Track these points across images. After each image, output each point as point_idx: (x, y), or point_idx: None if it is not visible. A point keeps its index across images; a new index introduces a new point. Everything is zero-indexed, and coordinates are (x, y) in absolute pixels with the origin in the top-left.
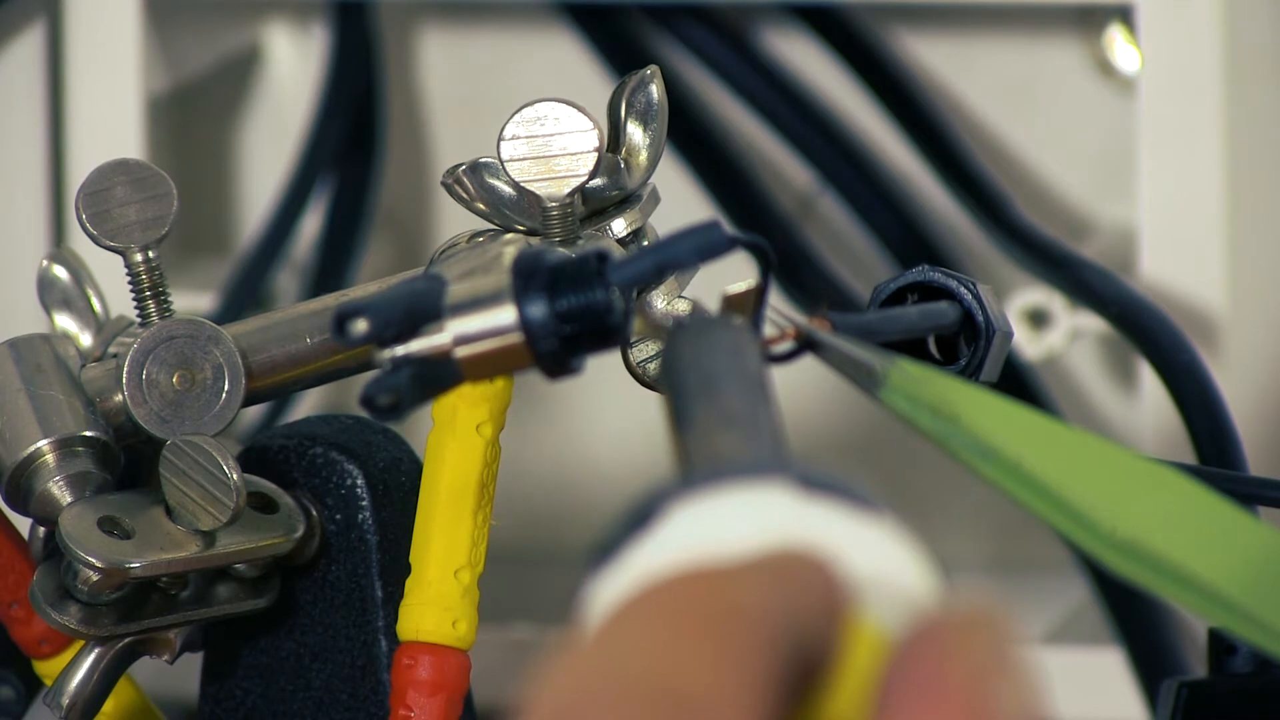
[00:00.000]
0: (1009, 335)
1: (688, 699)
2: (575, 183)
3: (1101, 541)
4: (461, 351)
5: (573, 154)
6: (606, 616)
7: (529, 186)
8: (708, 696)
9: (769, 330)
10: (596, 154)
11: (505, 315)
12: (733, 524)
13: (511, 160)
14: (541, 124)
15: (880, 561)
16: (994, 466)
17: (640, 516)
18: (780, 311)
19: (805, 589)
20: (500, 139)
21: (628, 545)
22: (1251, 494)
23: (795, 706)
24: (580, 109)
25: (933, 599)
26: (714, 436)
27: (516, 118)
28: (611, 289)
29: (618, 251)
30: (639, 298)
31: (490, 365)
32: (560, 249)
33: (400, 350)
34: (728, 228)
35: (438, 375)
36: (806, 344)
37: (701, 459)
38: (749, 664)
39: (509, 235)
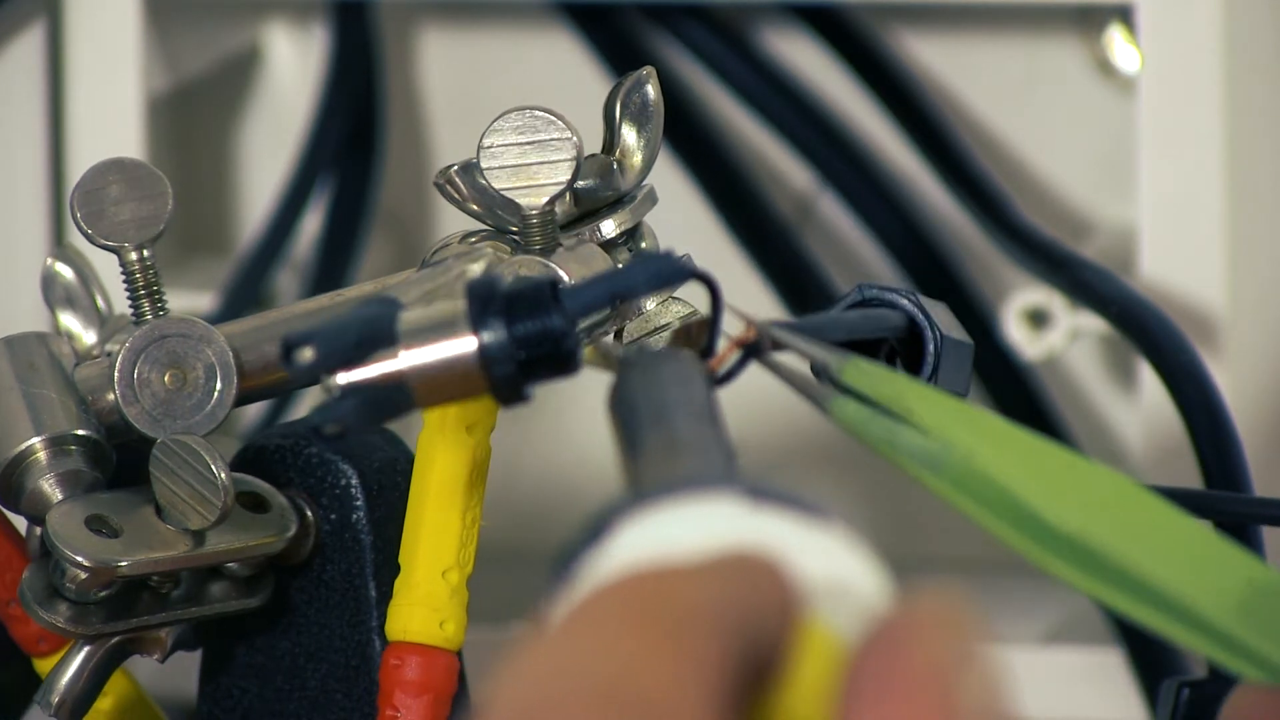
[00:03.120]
0: (967, 345)
1: (644, 700)
2: (553, 191)
3: (1046, 542)
4: (415, 378)
5: (551, 163)
6: (560, 617)
7: (508, 195)
8: (664, 697)
9: (722, 343)
10: (574, 163)
11: (461, 341)
12: (682, 532)
13: (491, 169)
14: (520, 132)
15: (830, 565)
16: (940, 477)
17: (593, 531)
18: (735, 310)
19: (756, 588)
20: (480, 147)
21: (581, 560)
22: (1252, 513)
23: (747, 707)
24: (559, 117)
25: (884, 603)
26: (664, 461)
27: (495, 126)
28: (566, 314)
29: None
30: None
31: (443, 391)
32: (521, 273)
33: (350, 377)
34: (682, 259)
35: (390, 402)
36: (757, 351)
37: (651, 481)
38: (704, 663)
39: (472, 254)
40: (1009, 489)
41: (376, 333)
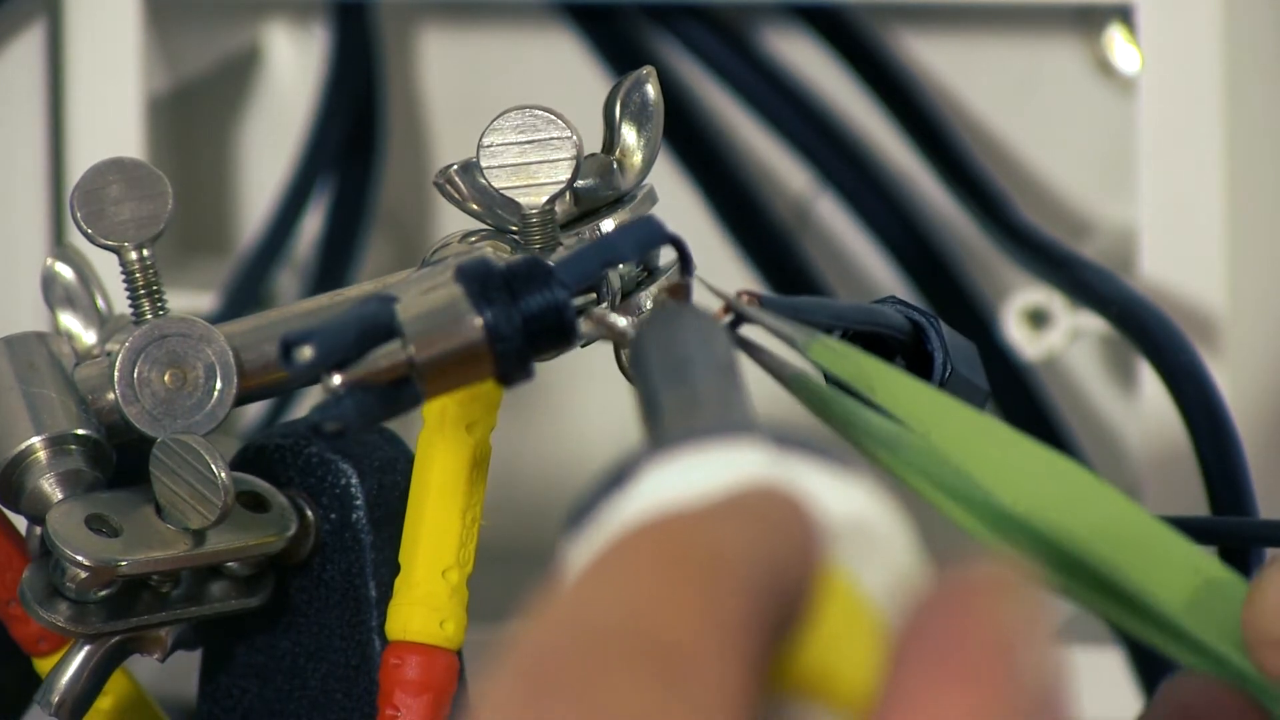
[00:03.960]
0: (981, 391)
1: (670, 648)
2: (553, 190)
3: (996, 524)
4: (420, 367)
5: (551, 162)
6: (583, 566)
7: (508, 194)
8: (690, 645)
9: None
10: (574, 162)
11: (464, 323)
12: (707, 476)
13: (490, 168)
14: (520, 131)
15: (854, 511)
16: (897, 458)
17: (615, 478)
18: (708, 286)
19: (780, 527)
20: (479, 146)
21: (603, 505)
22: (1261, 536)
23: (771, 653)
24: (559, 116)
25: (910, 559)
26: (685, 415)
27: (495, 125)
28: (564, 286)
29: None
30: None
31: (450, 377)
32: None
33: (348, 376)
34: (662, 223)
35: (394, 396)
36: (737, 323)
37: (673, 433)
38: (731, 608)
39: (471, 254)
40: (964, 468)
41: (375, 328)
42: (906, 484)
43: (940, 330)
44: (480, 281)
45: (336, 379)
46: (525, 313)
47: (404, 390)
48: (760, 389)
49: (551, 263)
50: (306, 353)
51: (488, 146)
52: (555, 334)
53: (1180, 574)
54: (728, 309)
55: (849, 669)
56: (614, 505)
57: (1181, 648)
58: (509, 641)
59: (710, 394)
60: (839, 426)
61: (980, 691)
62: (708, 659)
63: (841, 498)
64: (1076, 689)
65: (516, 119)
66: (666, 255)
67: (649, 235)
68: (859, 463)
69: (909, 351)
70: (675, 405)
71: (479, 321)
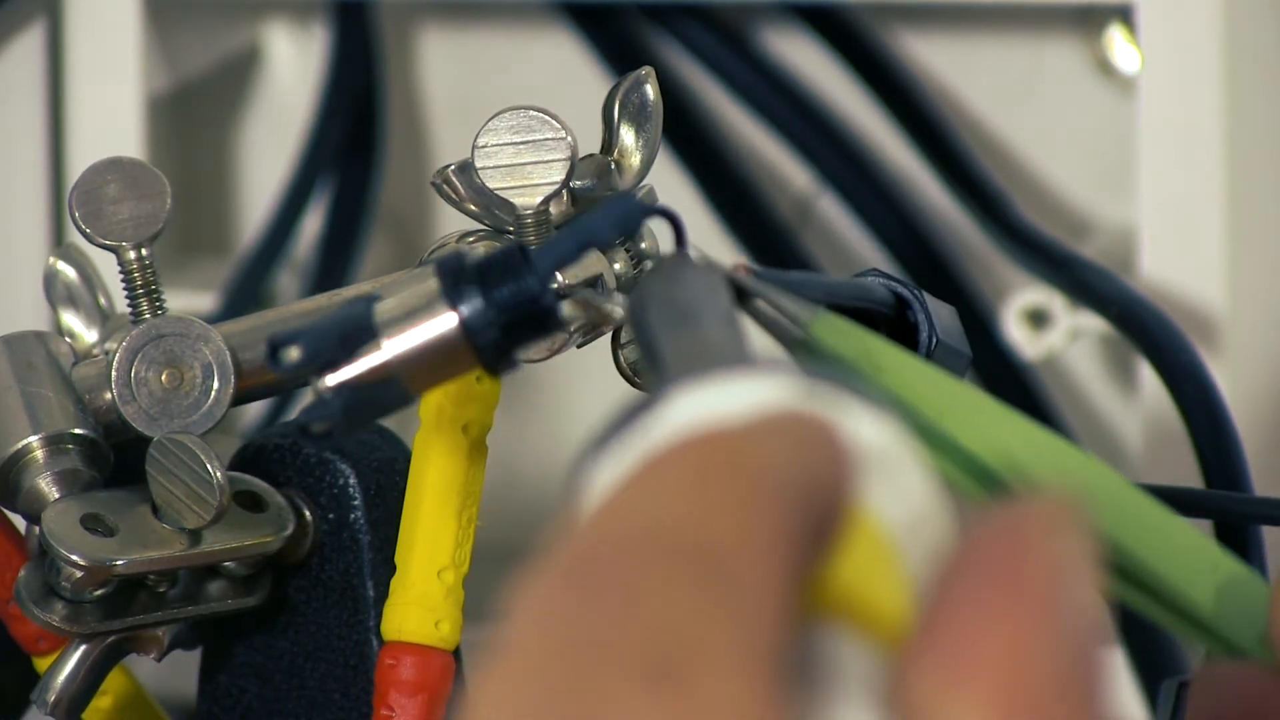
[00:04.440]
0: (964, 356)
1: (711, 549)
2: (547, 191)
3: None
4: (401, 366)
5: (546, 163)
6: (621, 478)
7: (503, 195)
8: (731, 548)
9: None
10: (569, 163)
11: (440, 319)
12: (739, 402)
13: (485, 168)
14: (515, 132)
15: (879, 444)
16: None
17: (641, 405)
18: (704, 256)
19: (814, 447)
20: (474, 146)
21: (629, 430)
22: (1256, 513)
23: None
24: (554, 117)
25: (928, 496)
26: (696, 358)
27: (490, 125)
28: (540, 274)
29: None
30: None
31: (433, 373)
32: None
33: (336, 377)
34: (639, 201)
35: (382, 395)
36: (735, 295)
37: (686, 371)
38: (770, 518)
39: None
40: (980, 458)
41: (356, 328)
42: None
43: (925, 303)
44: (453, 275)
45: (323, 380)
46: (499, 303)
47: (392, 389)
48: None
49: (529, 248)
50: (293, 354)
51: (482, 147)
52: (533, 323)
53: (1201, 570)
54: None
55: (878, 594)
56: (642, 429)
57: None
58: (546, 547)
59: (721, 338)
60: None
61: (1024, 620)
62: (750, 563)
63: (867, 428)
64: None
65: (511, 119)
66: (662, 247)
67: (626, 214)
68: (881, 398)
69: (893, 323)
70: (684, 349)
71: (453, 315)
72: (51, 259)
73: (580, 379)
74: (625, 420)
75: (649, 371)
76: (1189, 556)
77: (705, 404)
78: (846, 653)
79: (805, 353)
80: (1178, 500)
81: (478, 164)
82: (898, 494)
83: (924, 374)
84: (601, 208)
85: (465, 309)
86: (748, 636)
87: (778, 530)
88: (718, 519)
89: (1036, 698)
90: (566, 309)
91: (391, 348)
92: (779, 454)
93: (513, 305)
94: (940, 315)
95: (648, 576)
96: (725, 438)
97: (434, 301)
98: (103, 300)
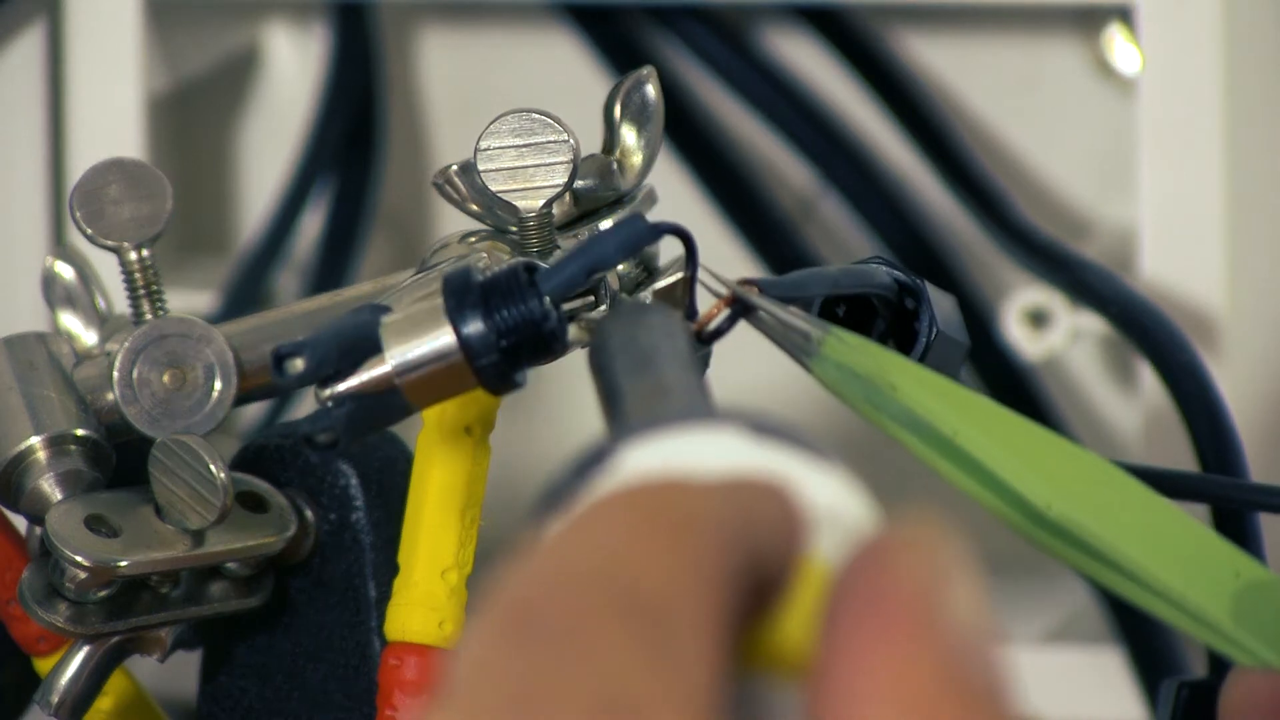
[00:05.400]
0: (961, 345)
1: (643, 596)
2: (550, 194)
3: (1033, 519)
4: (404, 380)
5: (548, 165)
6: (565, 519)
7: (505, 198)
8: (663, 594)
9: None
10: (571, 165)
11: (443, 337)
12: (688, 457)
13: (487, 171)
14: (517, 135)
15: (832, 501)
16: (924, 441)
17: (590, 459)
18: (713, 274)
19: (763, 508)
20: (476, 150)
21: (579, 485)
22: (1253, 501)
23: (744, 630)
24: (556, 120)
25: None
26: (653, 403)
27: (492, 128)
28: (544, 298)
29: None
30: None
31: (435, 389)
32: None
33: (341, 386)
34: (648, 219)
35: (384, 407)
36: (742, 311)
37: (641, 419)
38: (704, 566)
39: (470, 257)
40: (993, 469)
41: (361, 340)
42: (935, 469)
43: (927, 293)
44: (458, 295)
45: (327, 390)
46: (502, 326)
47: (394, 400)
48: (757, 376)
49: (538, 268)
50: (298, 365)
51: (485, 150)
52: (535, 346)
53: (1221, 577)
54: (733, 299)
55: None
56: (591, 485)
57: (1228, 644)
58: (487, 590)
59: (678, 384)
60: (861, 408)
61: (900, 641)
62: (681, 608)
63: (818, 485)
64: (1076, 690)
65: (513, 122)
66: (666, 255)
67: (634, 237)
68: (832, 453)
69: (895, 309)
70: (642, 395)
71: (455, 336)
72: (49, 259)
73: (582, 379)
74: (574, 476)
75: (606, 417)
76: (1212, 569)
77: (655, 455)
78: (791, 702)
79: (817, 369)
80: (1175, 485)
81: (480, 167)
82: (848, 547)
83: (937, 387)
84: (610, 230)
85: (468, 329)
86: (684, 684)
87: (714, 579)
88: (653, 566)
89: (929, 709)
90: (572, 332)
91: (395, 362)
92: (721, 505)
93: (515, 328)
94: (941, 304)
95: (583, 619)
96: (667, 488)
97: (438, 319)
98: (100, 301)
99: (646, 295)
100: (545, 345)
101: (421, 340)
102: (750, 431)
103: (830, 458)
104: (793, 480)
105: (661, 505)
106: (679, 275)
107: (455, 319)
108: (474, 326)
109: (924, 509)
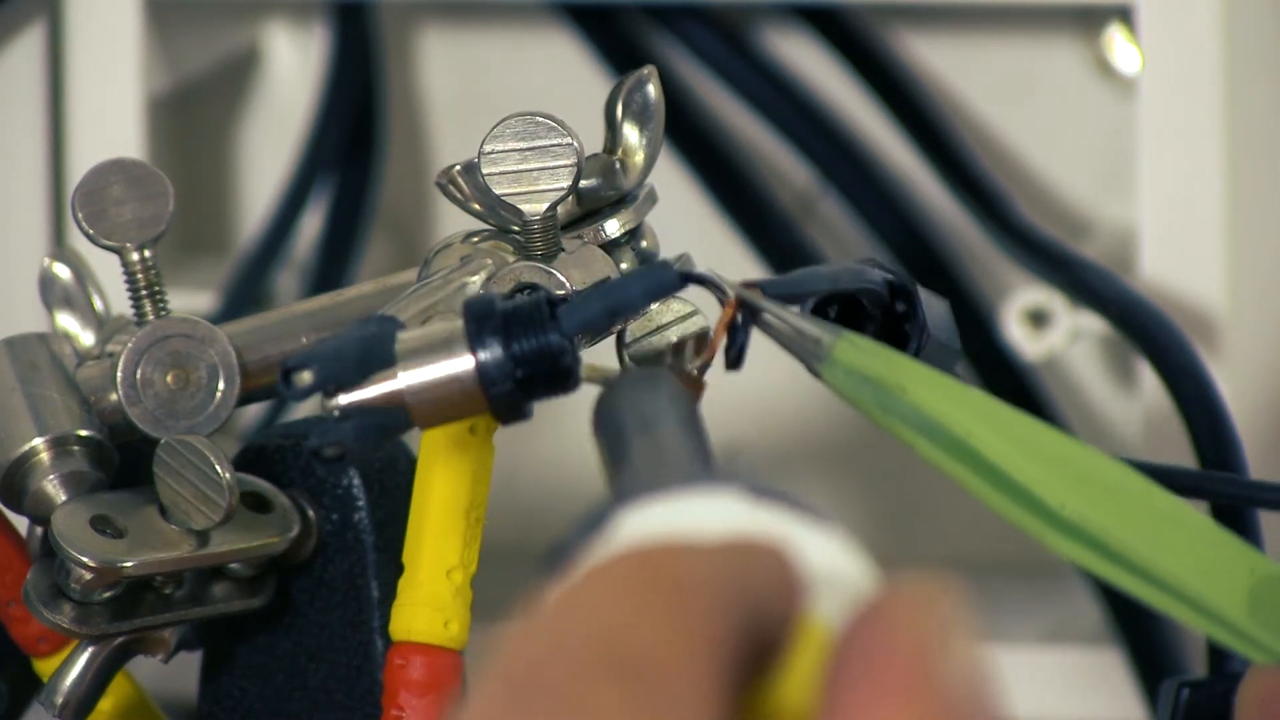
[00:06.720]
0: (953, 351)
1: (642, 659)
2: (554, 197)
3: (1046, 520)
4: (414, 398)
5: (552, 169)
6: (565, 583)
7: (510, 201)
8: (661, 657)
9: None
10: (575, 168)
11: (459, 361)
12: (686, 521)
13: (491, 174)
14: (521, 138)
15: (831, 562)
16: (936, 444)
17: (593, 520)
18: (720, 282)
19: (762, 572)
20: (480, 153)
21: (580, 548)
22: (1252, 497)
23: (744, 691)
24: (560, 123)
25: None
26: (655, 466)
27: (496, 131)
28: (565, 333)
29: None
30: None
31: (443, 411)
32: (524, 279)
33: (349, 399)
34: (676, 267)
35: (389, 422)
36: (750, 316)
37: (643, 482)
38: (703, 630)
39: (472, 262)
40: (1006, 471)
41: (375, 354)
42: (945, 471)
43: (918, 295)
44: (478, 321)
45: (338, 401)
46: (518, 357)
47: (397, 416)
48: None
49: (560, 301)
50: (306, 378)
51: (488, 153)
52: (550, 379)
53: (1235, 575)
54: (740, 305)
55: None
56: (591, 548)
57: (1245, 644)
58: (492, 652)
59: (679, 445)
60: (872, 413)
61: (904, 703)
62: (680, 671)
63: (817, 547)
64: (1076, 690)
65: (517, 125)
66: (666, 253)
67: (660, 285)
68: (829, 516)
69: (886, 313)
70: (643, 454)
71: (472, 362)
72: (47, 260)
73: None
74: (576, 540)
75: (608, 479)
76: (1226, 567)
77: (655, 518)
78: None
79: (827, 373)
80: (1175, 481)
81: (484, 170)
82: (847, 608)
83: (949, 390)
84: (637, 274)
85: (485, 356)
86: None
87: (712, 641)
88: (652, 629)
89: None
90: (585, 371)
91: (407, 378)
92: (720, 568)
93: (532, 360)
94: (933, 308)
95: (581, 685)
96: (666, 551)
97: (456, 342)
98: (98, 302)
99: (663, 338)
100: (560, 379)
101: (437, 362)
102: (749, 495)
103: (828, 520)
104: (791, 542)
105: (660, 568)
106: (696, 315)
107: (475, 343)
108: (493, 353)
109: (926, 572)
